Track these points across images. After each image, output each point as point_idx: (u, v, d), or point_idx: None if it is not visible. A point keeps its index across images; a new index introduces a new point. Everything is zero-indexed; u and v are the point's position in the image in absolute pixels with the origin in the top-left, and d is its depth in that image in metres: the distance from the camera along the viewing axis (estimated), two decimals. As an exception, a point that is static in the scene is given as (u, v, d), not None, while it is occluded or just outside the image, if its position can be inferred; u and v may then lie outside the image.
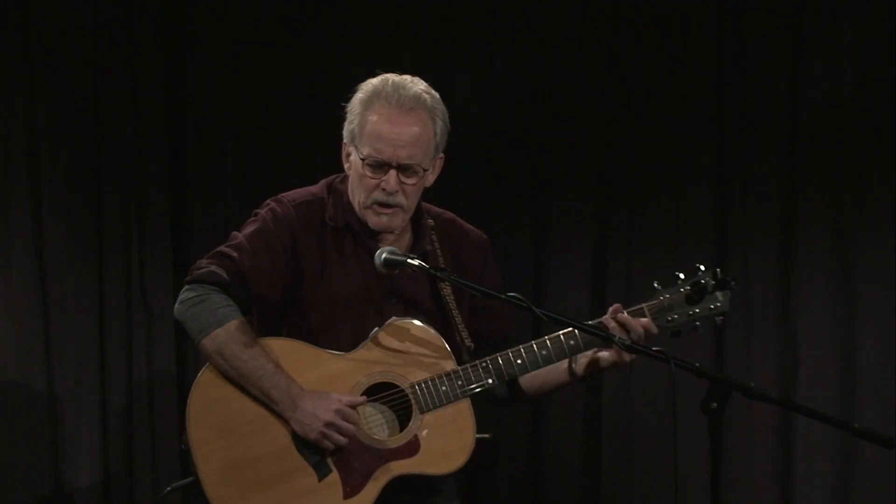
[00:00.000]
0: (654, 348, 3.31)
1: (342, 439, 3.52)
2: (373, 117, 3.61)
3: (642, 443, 5.94)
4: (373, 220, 3.64)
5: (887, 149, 5.82)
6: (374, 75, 3.72)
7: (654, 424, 5.90)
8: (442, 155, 3.71)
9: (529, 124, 6.06)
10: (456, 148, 5.99)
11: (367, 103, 3.63)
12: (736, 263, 5.93)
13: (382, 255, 3.54)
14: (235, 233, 3.69)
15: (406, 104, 3.61)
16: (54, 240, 5.78)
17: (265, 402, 3.55)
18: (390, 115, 3.61)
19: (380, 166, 3.61)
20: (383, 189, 3.61)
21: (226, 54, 5.99)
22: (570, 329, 3.58)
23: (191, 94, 5.98)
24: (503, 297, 3.47)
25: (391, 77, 3.67)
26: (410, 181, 3.62)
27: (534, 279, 6.04)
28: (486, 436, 5.40)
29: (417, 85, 3.66)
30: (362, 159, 3.61)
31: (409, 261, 3.53)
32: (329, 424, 3.51)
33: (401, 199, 3.62)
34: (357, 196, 3.65)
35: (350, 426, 3.52)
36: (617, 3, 6.01)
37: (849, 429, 3.28)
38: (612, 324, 3.57)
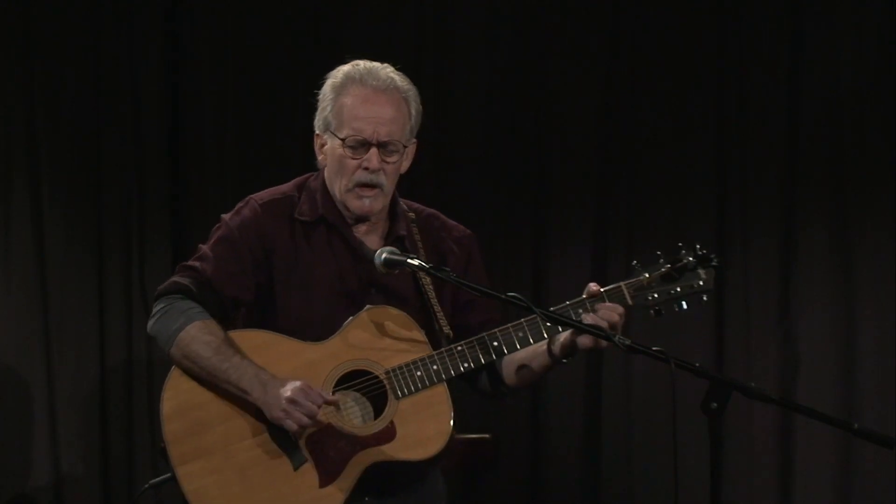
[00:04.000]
0: (654, 348, 3.30)
1: (304, 419, 3.48)
2: (348, 100, 3.64)
3: (642, 443, 5.94)
4: (355, 204, 3.65)
5: (887, 149, 5.82)
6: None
7: (654, 424, 5.90)
8: (416, 140, 3.73)
9: (529, 124, 6.06)
10: (456, 148, 6.06)
11: (340, 88, 3.66)
12: (736, 263, 5.93)
13: (382, 255, 3.54)
14: (200, 245, 3.73)
15: (379, 85, 3.65)
16: (54, 240, 5.79)
17: (237, 393, 3.54)
18: (366, 96, 3.64)
19: (361, 146, 3.63)
20: (365, 168, 3.62)
21: (226, 54, 6.00)
22: (549, 311, 3.57)
23: (191, 95, 5.98)
24: (503, 296, 3.46)
25: (362, 62, 3.71)
26: (391, 159, 3.64)
27: (534, 279, 6.04)
28: (486, 436, 5.41)
29: (389, 69, 3.70)
30: (342, 139, 3.63)
31: (408, 261, 3.53)
32: (291, 401, 3.47)
33: (382, 178, 3.63)
34: (338, 183, 3.66)
35: (313, 407, 3.47)
36: (617, 2, 6.02)
37: (849, 429, 3.27)
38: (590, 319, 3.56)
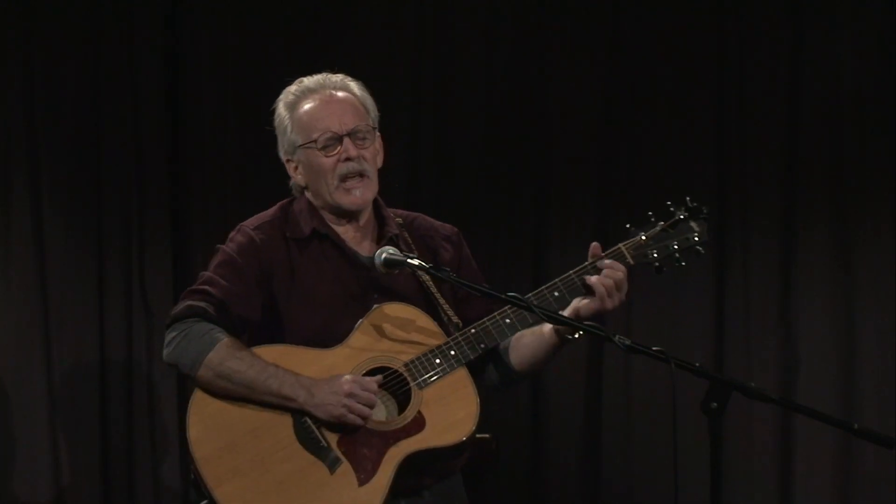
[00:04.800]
0: (654, 348, 3.30)
1: (366, 410, 3.51)
2: (305, 108, 3.71)
3: (642, 443, 5.94)
4: (346, 200, 3.67)
5: (887, 148, 5.82)
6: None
7: (654, 424, 5.90)
8: (381, 135, 3.77)
9: (529, 124, 6.06)
10: (456, 148, 6.05)
11: (294, 104, 3.73)
12: (736, 263, 5.93)
13: (382, 255, 3.55)
14: (202, 273, 3.73)
15: (331, 87, 3.73)
16: (54, 240, 5.79)
17: (279, 402, 3.55)
18: (322, 98, 3.71)
19: (333, 141, 3.67)
20: (346, 159, 3.67)
21: (225, 54, 6.00)
22: (554, 282, 3.60)
23: (191, 95, 5.99)
24: (503, 296, 3.47)
25: (305, 78, 3.78)
26: (365, 145, 3.69)
27: (534, 279, 6.03)
28: (486, 436, 5.40)
29: (333, 76, 3.76)
30: (313, 143, 3.67)
31: (408, 260, 3.54)
32: (350, 395, 3.50)
33: (365, 164, 3.68)
34: (324, 188, 3.69)
35: (371, 395, 3.51)
36: (617, 2, 6.02)
37: (849, 429, 3.27)
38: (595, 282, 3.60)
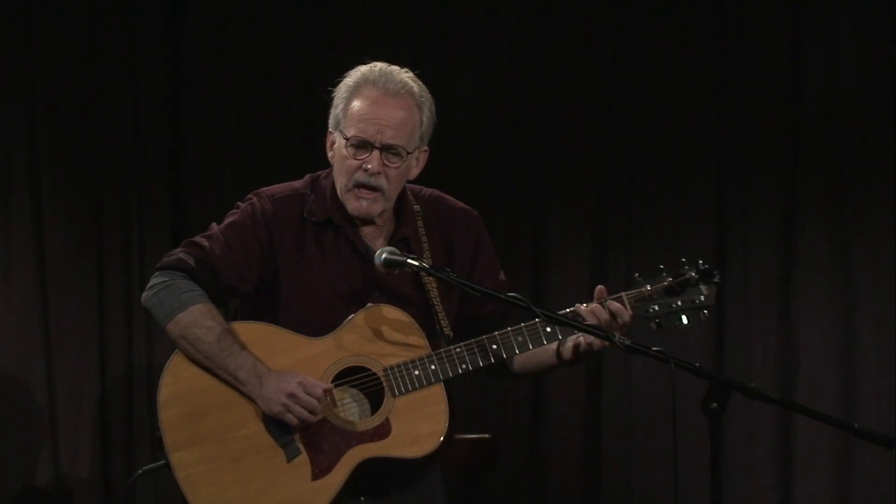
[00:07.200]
0: (654, 348, 3.30)
1: (304, 413, 3.51)
2: (358, 100, 3.63)
3: (642, 443, 5.94)
4: (353, 204, 3.64)
5: (887, 149, 5.82)
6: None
7: (654, 424, 5.90)
8: (427, 148, 3.71)
9: (529, 124, 6.07)
10: (456, 147, 6.06)
11: (354, 88, 3.65)
12: (736, 263, 5.94)
13: (382, 255, 3.54)
14: (213, 224, 3.73)
15: (392, 88, 3.63)
16: (54, 240, 5.79)
17: (232, 382, 3.56)
18: (376, 98, 3.62)
19: (363, 146, 3.61)
20: (365, 170, 3.61)
21: (226, 53, 6.00)
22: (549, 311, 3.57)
23: (191, 94, 5.99)
24: (503, 297, 3.46)
25: (380, 64, 3.68)
26: (394, 164, 3.63)
27: (534, 279, 6.04)
28: (486, 436, 5.41)
29: (405, 73, 3.68)
30: (346, 139, 3.62)
31: (409, 261, 3.53)
32: (291, 396, 3.50)
33: (382, 181, 3.62)
34: (339, 181, 3.66)
35: (313, 400, 3.50)
36: (617, 2, 6.02)
37: (849, 429, 3.27)
38: (584, 311, 3.56)
